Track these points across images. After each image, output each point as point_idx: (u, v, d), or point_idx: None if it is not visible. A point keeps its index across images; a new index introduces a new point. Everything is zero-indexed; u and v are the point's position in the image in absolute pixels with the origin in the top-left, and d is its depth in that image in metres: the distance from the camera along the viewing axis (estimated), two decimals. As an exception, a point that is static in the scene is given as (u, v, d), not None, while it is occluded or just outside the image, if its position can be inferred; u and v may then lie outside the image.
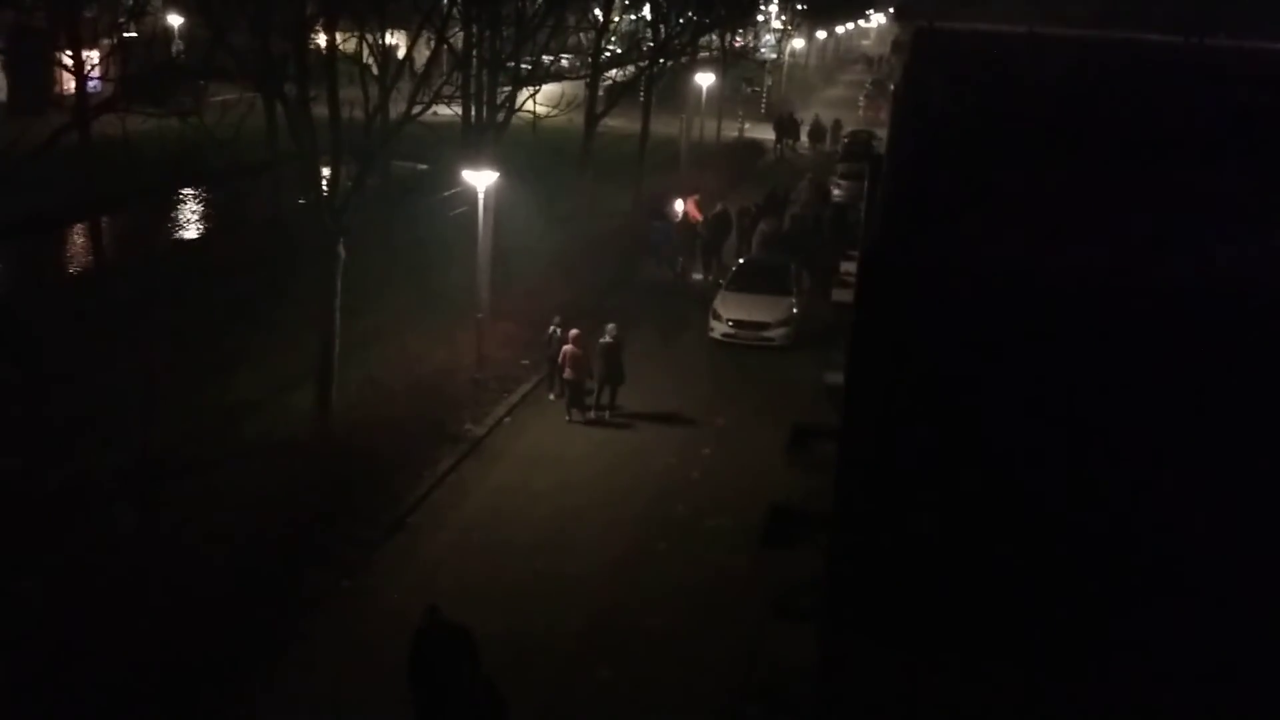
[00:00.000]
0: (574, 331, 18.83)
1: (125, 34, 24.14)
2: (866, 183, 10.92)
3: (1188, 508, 6.75)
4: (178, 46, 31.56)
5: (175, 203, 33.66)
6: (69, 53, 24.60)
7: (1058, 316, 6.77)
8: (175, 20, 39.08)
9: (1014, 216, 7.37)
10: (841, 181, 36.22)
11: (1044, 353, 6.82)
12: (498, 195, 19.52)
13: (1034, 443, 6.92)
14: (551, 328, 19.39)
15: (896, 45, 77.50)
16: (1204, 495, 6.73)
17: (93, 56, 26.94)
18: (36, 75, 37.31)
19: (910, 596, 7.16)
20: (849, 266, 22.52)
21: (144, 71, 17.68)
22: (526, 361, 20.77)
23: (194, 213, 33.89)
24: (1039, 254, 6.95)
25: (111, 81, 17.31)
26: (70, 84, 29.74)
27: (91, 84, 25.08)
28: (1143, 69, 9.31)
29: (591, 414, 18.96)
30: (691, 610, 13.63)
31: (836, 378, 13.77)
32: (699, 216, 29.71)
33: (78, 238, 28.64)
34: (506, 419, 18.86)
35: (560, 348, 18.82)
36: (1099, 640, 6.99)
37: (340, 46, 16.94)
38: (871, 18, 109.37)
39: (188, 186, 34.57)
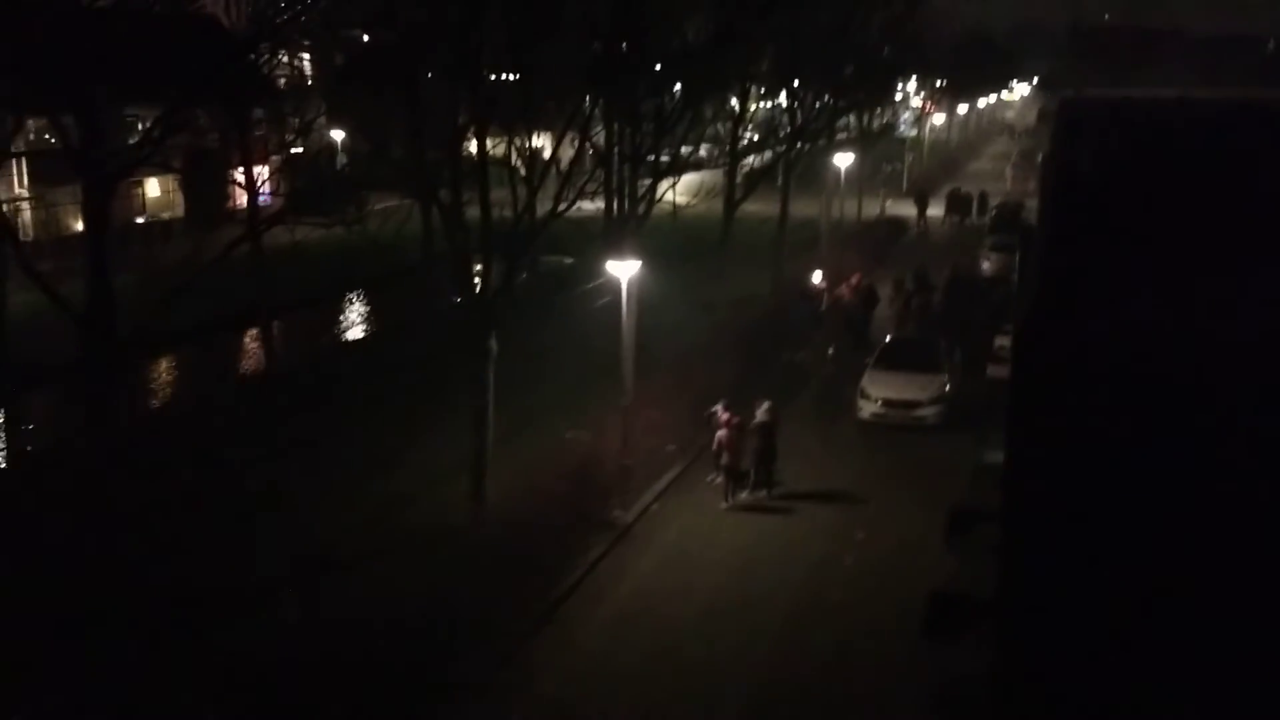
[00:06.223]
0: (728, 415, 18.85)
1: (293, 151, 25.89)
2: (1018, 255, 10.64)
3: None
4: (341, 160, 33.58)
5: (340, 305, 35.51)
6: (241, 170, 26.47)
7: (1224, 388, 6.42)
8: (338, 135, 41.65)
9: (1172, 287, 7.06)
10: (991, 254, 35.49)
11: (1210, 425, 6.46)
12: (640, 284, 19.90)
13: (1205, 515, 6.53)
14: (713, 410, 19.40)
15: (1043, 115, 76.16)
16: None
17: (263, 173, 28.97)
18: (211, 192, 40.28)
19: (1088, 690, 6.76)
20: (1004, 342, 21.91)
21: (311, 185, 18.86)
22: (673, 447, 20.81)
23: (357, 314, 35.65)
24: (1199, 324, 6.63)
25: (281, 195, 18.53)
26: (243, 199, 31.95)
27: (262, 198, 26.92)
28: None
29: (745, 495, 18.78)
30: (850, 705, 13.18)
31: (995, 457, 13.29)
32: (850, 295, 29.59)
33: (251, 341, 30.45)
34: (654, 505, 18.87)
35: (717, 431, 18.83)
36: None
37: (490, 152, 17.71)
38: (1014, 88, 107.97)
39: (352, 289, 36.47)
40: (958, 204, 48.67)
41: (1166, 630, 6.70)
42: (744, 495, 18.81)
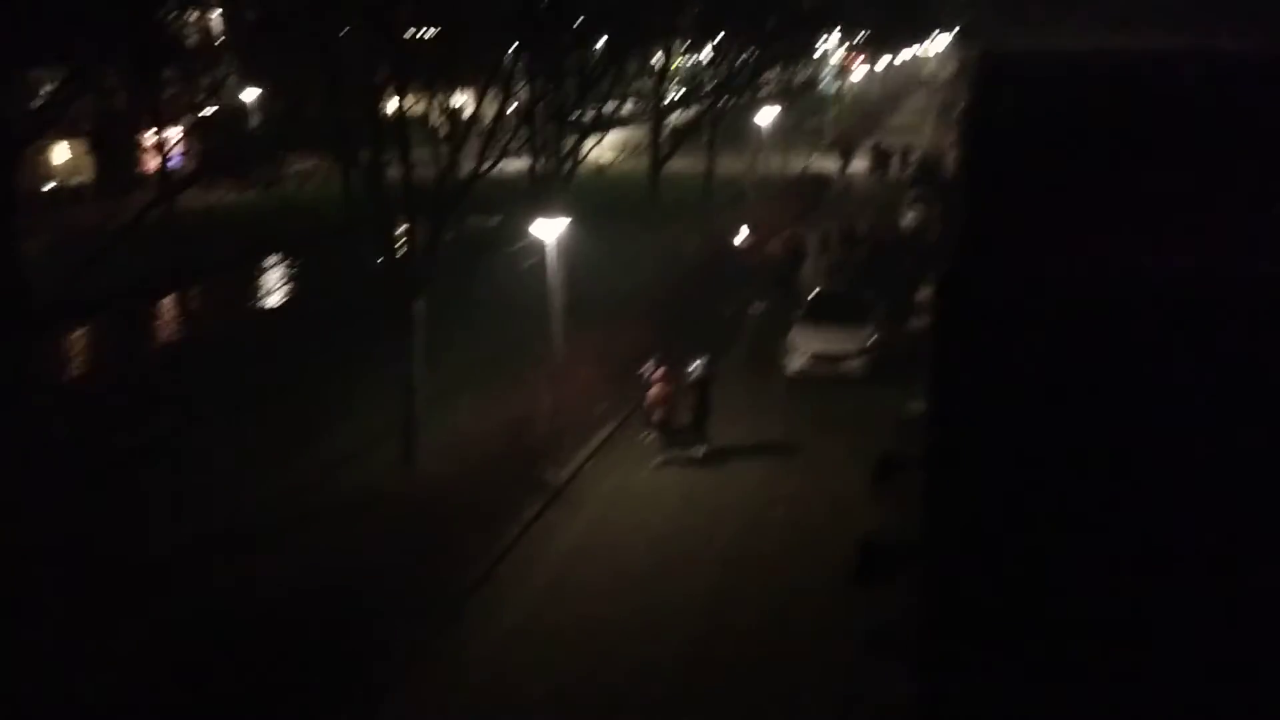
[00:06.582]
0: (659, 371, 18.89)
1: (203, 112, 25.09)
2: (940, 207, 10.80)
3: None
4: (255, 120, 32.67)
5: (260, 270, 34.69)
6: (152, 133, 25.63)
7: (1142, 334, 6.61)
8: (251, 94, 40.39)
9: (1089, 238, 7.23)
10: (912, 207, 35.93)
11: (1129, 372, 6.65)
12: (568, 243, 19.80)
13: (1124, 460, 6.74)
14: (645, 368, 19.43)
15: (962, 67, 76.90)
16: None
17: (174, 135, 28.07)
18: (122, 156, 38.84)
19: (1009, 631, 6.97)
20: (926, 293, 22.28)
21: (223, 147, 18.34)
22: (605, 405, 20.85)
23: (278, 278, 34.88)
24: (1120, 272, 6.80)
25: (193, 158, 18.02)
26: (154, 162, 30.94)
27: (174, 161, 26.12)
28: (1222, 78, 9.11)
29: (678, 451, 18.83)
30: (783, 651, 13.44)
31: (919, 406, 13.56)
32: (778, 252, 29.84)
33: (169, 308, 29.65)
34: (588, 464, 18.92)
35: (650, 389, 18.89)
36: (1238, 686, 6.68)
37: (410, 110, 17.37)
38: (934, 40, 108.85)
39: (271, 253, 35.63)
40: (880, 158, 49.13)
41: (1085, 573, 6.93)
42: (677, 452, 18.93)
